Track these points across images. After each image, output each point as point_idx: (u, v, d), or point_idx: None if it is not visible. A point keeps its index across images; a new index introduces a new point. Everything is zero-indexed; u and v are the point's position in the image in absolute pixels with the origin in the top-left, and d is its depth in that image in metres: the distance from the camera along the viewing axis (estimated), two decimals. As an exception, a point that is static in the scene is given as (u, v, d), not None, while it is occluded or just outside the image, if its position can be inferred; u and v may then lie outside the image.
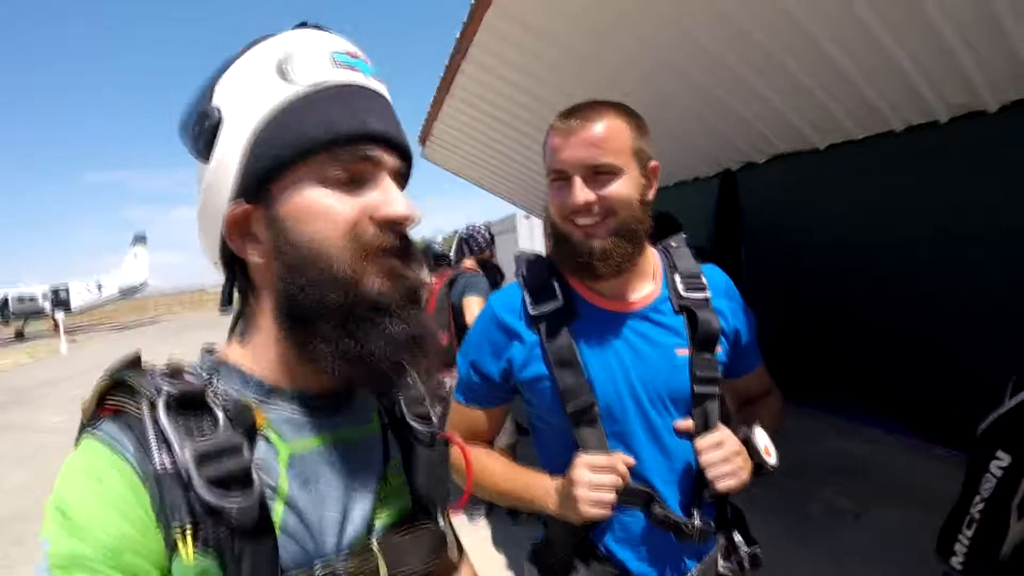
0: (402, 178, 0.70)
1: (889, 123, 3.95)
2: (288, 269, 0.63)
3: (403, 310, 0.65)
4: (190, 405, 0.60)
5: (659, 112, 4.85)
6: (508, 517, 3.69)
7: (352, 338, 0.63)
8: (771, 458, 1.16)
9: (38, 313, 30.84)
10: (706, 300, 1.21)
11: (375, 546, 0.68)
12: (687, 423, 1.16)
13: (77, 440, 0.59)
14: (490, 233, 3.92)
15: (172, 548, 0.54)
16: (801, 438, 4.64)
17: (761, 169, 5.20)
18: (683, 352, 1.17)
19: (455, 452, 1.31)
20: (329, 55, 0.65)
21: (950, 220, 3.69)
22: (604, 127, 1.10)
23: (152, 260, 36.60)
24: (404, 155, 0.69)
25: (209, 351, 0.70)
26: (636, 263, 1.19)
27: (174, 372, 0.62)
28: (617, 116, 1.13)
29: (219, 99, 0.63)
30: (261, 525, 0.58)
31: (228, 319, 0.74)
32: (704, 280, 1.24)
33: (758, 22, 3.45)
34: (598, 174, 1.10)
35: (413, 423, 0.79)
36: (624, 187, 1.11)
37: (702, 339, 1.17)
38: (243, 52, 0.65)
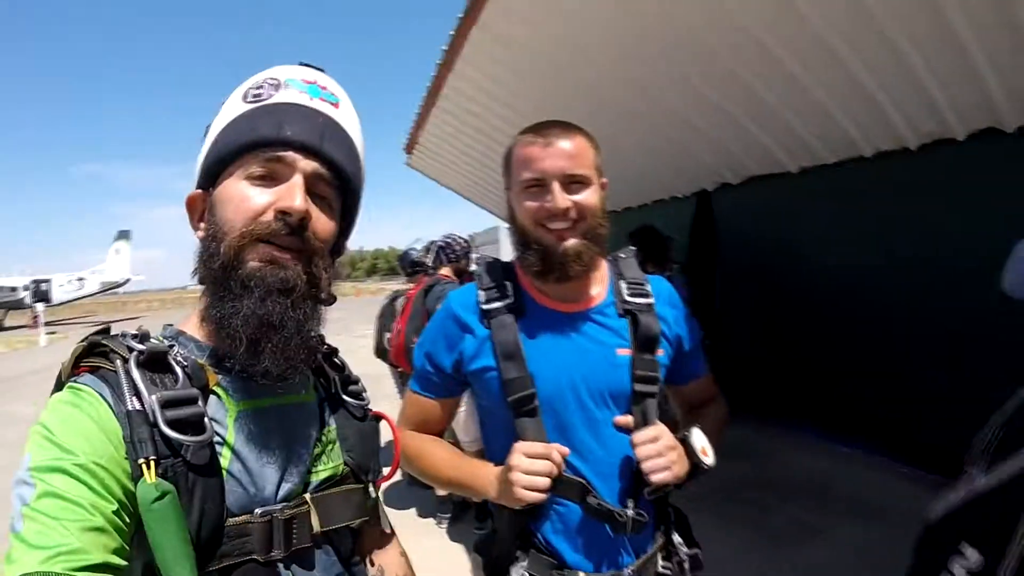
0: (326, 182, 0.81)
1: (860, 149, 4.10)
2: (204, 243, 0.78)
3: (269, 295, 0.74)
4: (155, 364, 0.72)
5: (637, 133, 4.98)
6: (476, 522, 3.73)
7: (219, 307, 0.74)
8: (708, 458, 1.22)
9: (18, 304, 30.41)
10: (649, 305, 1.29)
11: (309, 499, 0.79)
12: (626, 419, 1.21)
13: (55, 392, 0.71)
14: (467, 242, 3.98)
15: (138, 475, 0.64)
16: (766, 454, 4.72)
17: (736, 190, 5.35)
18: (624, 352, 1.23)
19: (404, 440, 1.37)
20: (283, 82, 0.81)
21: (918, 244, 3.83)
22: (577, 143, 1.20)
23: (136, 257, 36.11)
24: (327, 163, 0.80)
25: (169, 325, 0.83)
26: (599, 265, 1.28)
27: (142, 337, 0.75)
28: (582, 135, 1.23)
29: (214, 121, 0.82)
30: (210, 464, 0.70)
31: None
32: (648, 288, 1.32)
33: (731, 51, 3.61)
34: (572, 183, 1.19)
35: (347, 398, 0.92)
36: (592, 196, 1.21)
37: (643, 341, 1.24)
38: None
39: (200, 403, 0.71)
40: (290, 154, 0.77)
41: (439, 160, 7.76)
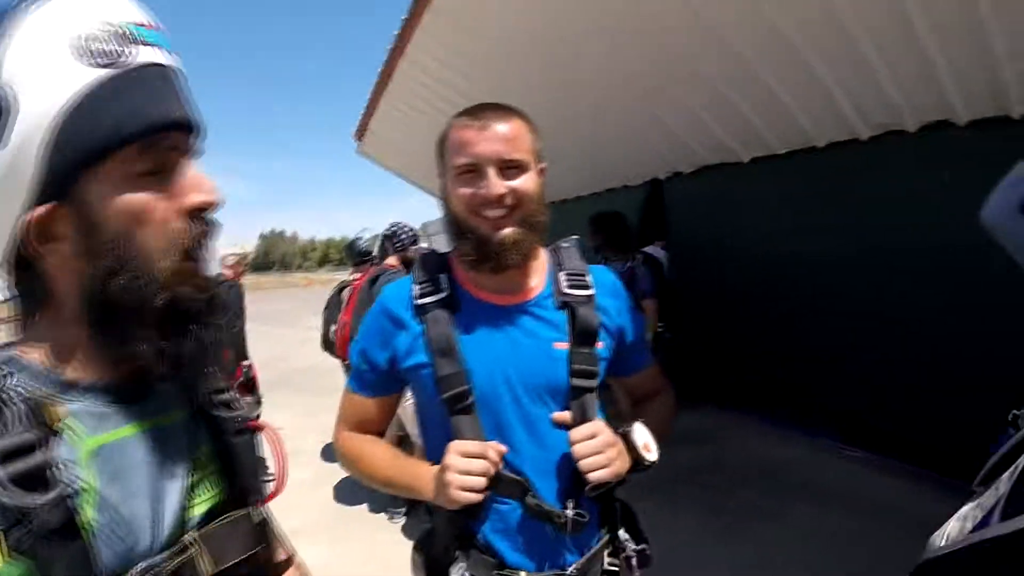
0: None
1: (811, 139, 4.16)
2: (102, 270, 0.60)
3: (210, 316, 0.66)
4: None
5: (591, 122, 4.96)
6: (426, 515, 3.66)
7: (166, 339, 0.63)
8: (650, 454, 1.19)
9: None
10: (589, 297, 1.25)
11: (194, 538, 0.66)
12: (564, 415, 1.18)
13: None
14: (414, 231, 3.91)
15: None
16: (722, 440, 4.80)
17: (688, 179, 5.39)
18: (562, 346, 1.20)
19: (342, 441, 1.32)
20: (126, 29, 0.60)
21: (869, 234, 3.90)
22: (514, 126, 1.16)
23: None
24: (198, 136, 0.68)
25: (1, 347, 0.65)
26: (537, 255, 1.24)
27: None
28: (520, 118, 1.19)
29: (9, 76, 0.56)
30: (67, 526, 0.55)
31: None
32: (589, 279, 1.28)
33: (684, 39, 3.60)
34: (508, 168, 1.14)
35: (217, 412, 0.77)
36: (529, 182, 1.17)
37: (581, 334, 1.21)
38: (23, 14, 0.57)
39: (40, 450, 0.56)
40: (182, 138, 0.64)
41: (390, 147, 7.61)
